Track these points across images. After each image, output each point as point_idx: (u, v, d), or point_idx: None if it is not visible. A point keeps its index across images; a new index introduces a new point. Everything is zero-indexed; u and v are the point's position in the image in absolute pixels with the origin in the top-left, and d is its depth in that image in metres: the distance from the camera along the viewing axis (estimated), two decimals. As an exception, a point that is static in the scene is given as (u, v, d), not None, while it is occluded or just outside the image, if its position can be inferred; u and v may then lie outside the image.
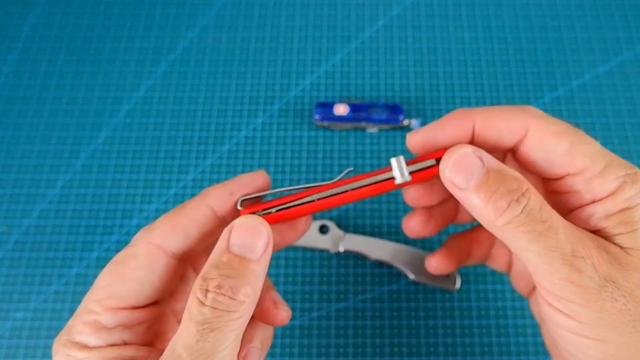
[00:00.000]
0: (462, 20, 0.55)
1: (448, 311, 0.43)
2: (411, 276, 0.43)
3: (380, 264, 0.45)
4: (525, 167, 0.27)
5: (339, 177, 0.27)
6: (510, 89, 0.52)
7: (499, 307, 0.43)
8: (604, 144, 0.49)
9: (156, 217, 0.29)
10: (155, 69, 0.53)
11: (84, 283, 0.45)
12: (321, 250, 0.45)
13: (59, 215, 0.47)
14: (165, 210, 0.39)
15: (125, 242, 0.40)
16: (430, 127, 0.27)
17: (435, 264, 0.32)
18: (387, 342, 0.42)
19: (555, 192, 0.26)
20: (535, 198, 0.23)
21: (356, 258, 0.45)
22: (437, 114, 0.51)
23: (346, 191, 0.27)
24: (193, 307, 0.23)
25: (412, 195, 0.31)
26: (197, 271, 0.30)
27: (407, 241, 0.46)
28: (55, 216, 0.47)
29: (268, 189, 0.28)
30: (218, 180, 0.48)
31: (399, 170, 0.26)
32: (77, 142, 0.50)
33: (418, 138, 0.27)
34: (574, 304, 0.23)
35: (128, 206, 0.48)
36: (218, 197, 0.27)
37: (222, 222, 0.28)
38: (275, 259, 0.45)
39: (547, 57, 0.53)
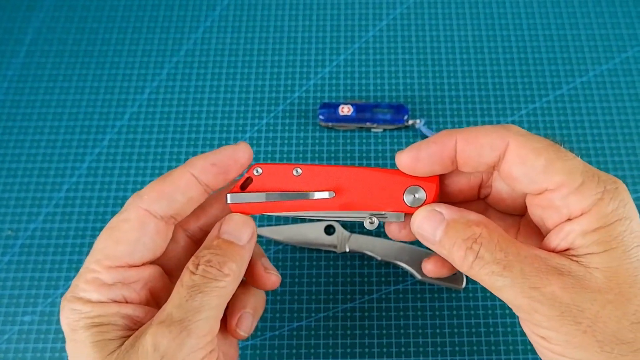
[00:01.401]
0: (465, 19, 0.55)
1: (454, 310, 0.43)
2: (417, 276, 0.43)
3: (386, 264, 0.45)
4: (508, 183, 0.28)
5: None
6: (514, 87, 0.52)
7: (505, 305, 0.43)
8: (609, 141, 0.49)
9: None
10: (159, 71, 0.54)
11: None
12: (327, 251, 0.46)
13: (65, 219, 0.47)
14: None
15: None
16: (415, 146, 0.28)
17: (430, 267, 0.33)
18: (394, 342, 0.42)
19: (540, 207, 0.27)
20: (490, 240, 0.25)
21: (362, 258, 0.45)
22: (441, 113, 0.51)
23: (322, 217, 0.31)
24: (185, 277, 0.27)
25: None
26: (187, 233, 0.33)
27: (412, 241, 0.46)
28: (62, 220, 0.47)
29: (250, 162, 0.30)
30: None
31: (370, 221, 0.30)
32: (82, 145, 0.50)
33: (405, 158, 0.29)
34: (543, 328, 0.24)
35: (134, 209, 0.48)
36: (201, 167, 0.29)
37: (205, 189, 0.30)
38: (281, 259, 0.45)
39: (551, 55, 0.53)
